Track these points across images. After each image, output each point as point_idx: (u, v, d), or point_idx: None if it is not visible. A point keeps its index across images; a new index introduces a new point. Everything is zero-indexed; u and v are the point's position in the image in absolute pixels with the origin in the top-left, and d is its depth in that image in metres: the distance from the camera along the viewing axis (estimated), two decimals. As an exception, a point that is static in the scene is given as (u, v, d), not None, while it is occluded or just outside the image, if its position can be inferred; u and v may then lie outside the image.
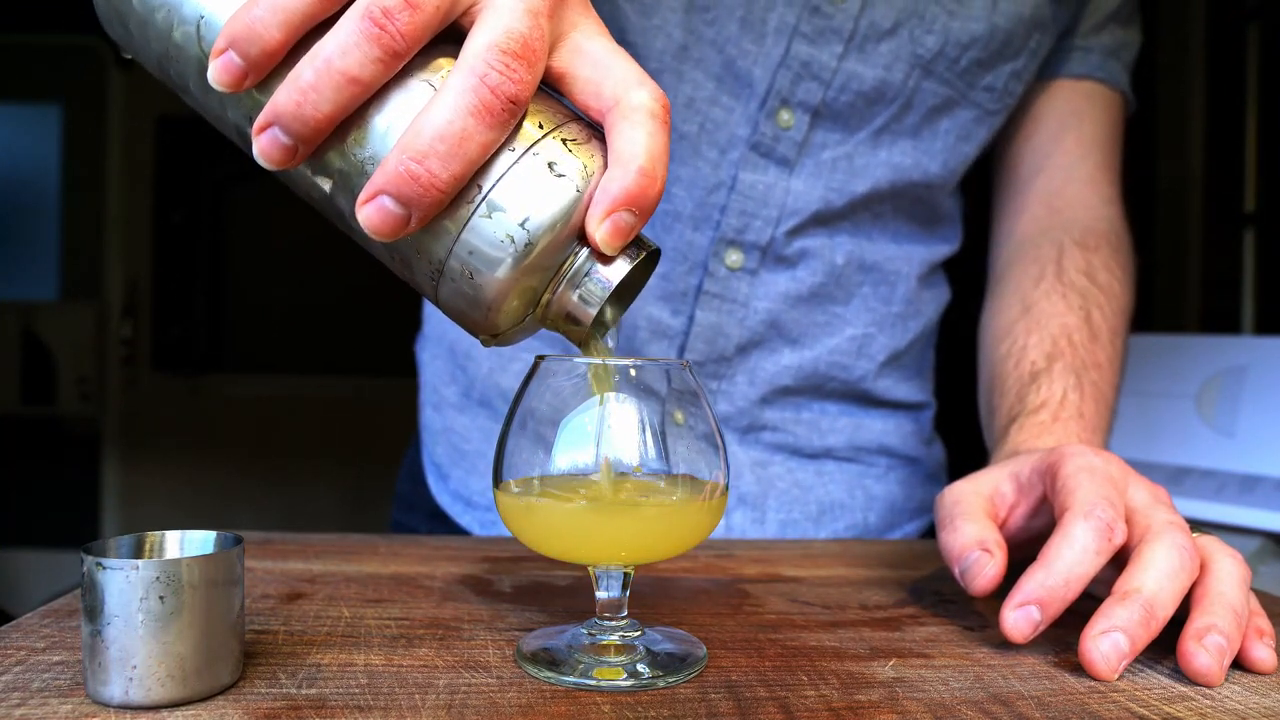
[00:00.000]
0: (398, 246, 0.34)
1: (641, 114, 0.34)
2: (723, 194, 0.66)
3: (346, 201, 0.34)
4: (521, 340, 0.38)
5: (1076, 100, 0.75)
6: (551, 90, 0.36)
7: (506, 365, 0.72)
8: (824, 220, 0.68)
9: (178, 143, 3.11)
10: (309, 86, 0.31)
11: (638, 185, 0.33)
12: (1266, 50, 2.12)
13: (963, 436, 0.84)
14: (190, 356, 3.20)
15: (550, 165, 0.33)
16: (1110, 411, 0.63)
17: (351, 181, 0.33)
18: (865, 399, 0.74)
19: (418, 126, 0.31)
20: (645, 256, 0.36)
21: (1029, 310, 0.67)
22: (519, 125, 0.33)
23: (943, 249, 0.76)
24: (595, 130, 0.35)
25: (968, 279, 0.81)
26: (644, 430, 0.36)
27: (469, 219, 0.33)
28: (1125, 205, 0.75)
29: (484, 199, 0.33)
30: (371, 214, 0.32)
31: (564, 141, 0.34)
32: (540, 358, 0.38)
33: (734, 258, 0.67)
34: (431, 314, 0.81)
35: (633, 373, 0.37)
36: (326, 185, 0.34)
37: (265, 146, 0.33)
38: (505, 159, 0.33)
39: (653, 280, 0.67)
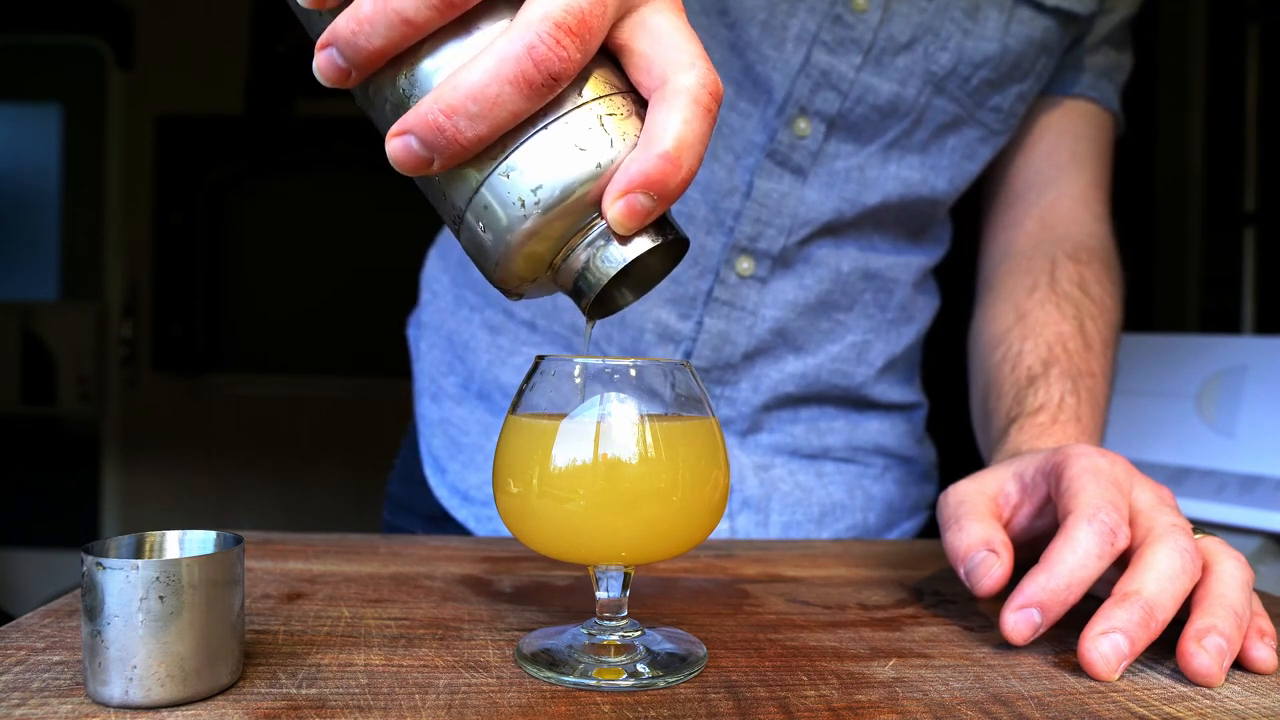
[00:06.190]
0: (428, 183, 0.35)
1: (684, 97, 0.33)
2: (737, 200, 0.65)
3: (388, 128, 0.35)
4: (541, 295, 0.38)
5: (1071, 119, 0.75)
6: (613, 59, 0.36)
7: (506, 359, 0.72)
8: (833, 230, 0.68)
9: (177, 143, 3.10)
10: (365, 19, 0.32)
11: (657, 169, 0.33)
12: (1266, 50, 2.12)
13: (950, 437, 0.84)
14: (190, 356, 3.20)
15: (576, 137, 0.33)
16: (1104, 419, 0.63)
17: (398, 111, 0.34)
18: (863, 403, 0.74)
19: (455, 80, 0.32)
20: (665, 243, 0.35)
21: (1023, 318, 0.67)
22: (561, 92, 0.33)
23: (936, 253, 0.76)
24: (643, 107, 0.35)
25: (952, 279, 0.81)
26: (644, 430, 0.36)
27: (489, 175, 0.33)
28: (1125, 204, 0.76)
29: (505, 159, 0.33)
30: (397, 148, 0.33)
31: (599, 115, 0.34)
32: (540, 357, 0.38)
33: (745, 265, 0.66)
34: (430, 300, 0.80)
35: (633, 373, 0.37)
36: (377, 108, 0.35)
37: (322, 64, 0.34)
38: (535, 123, 0.33)
39: (662, 283, 0.67)
